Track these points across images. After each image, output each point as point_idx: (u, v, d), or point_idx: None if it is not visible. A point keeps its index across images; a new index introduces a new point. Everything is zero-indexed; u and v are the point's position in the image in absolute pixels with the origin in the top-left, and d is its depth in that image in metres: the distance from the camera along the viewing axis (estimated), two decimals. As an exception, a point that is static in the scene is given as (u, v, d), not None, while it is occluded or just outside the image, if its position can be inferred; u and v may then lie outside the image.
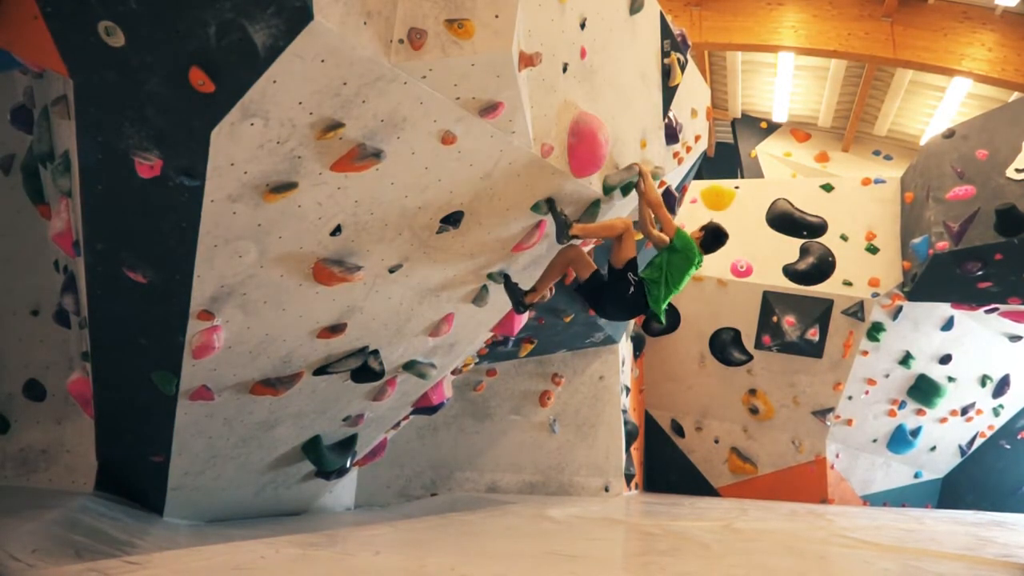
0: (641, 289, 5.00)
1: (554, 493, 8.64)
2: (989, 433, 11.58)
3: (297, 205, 3.75)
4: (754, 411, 10.74)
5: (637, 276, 5.01)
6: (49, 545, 3.61)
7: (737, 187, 10.86)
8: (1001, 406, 11.27)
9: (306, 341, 4.63)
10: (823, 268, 9.89)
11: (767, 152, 14.64)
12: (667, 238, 5.09)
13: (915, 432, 10.89)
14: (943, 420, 10.91)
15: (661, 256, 5.09)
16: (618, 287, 5.00)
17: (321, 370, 4.91)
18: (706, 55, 13.31)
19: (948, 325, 9.93)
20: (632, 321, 10.14)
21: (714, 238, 5.29)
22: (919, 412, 10.65)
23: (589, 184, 4.83)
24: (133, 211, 3.68)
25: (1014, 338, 10.41)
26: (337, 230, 4.01)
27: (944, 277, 8.66)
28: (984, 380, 10.77)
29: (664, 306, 5.12)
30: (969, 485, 11.68)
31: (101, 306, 4.18)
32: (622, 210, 5.72)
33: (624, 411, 9.36)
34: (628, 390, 10.01)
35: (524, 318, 6.12)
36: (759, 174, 14.19)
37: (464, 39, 3.44)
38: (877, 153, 14.20)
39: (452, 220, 4.41)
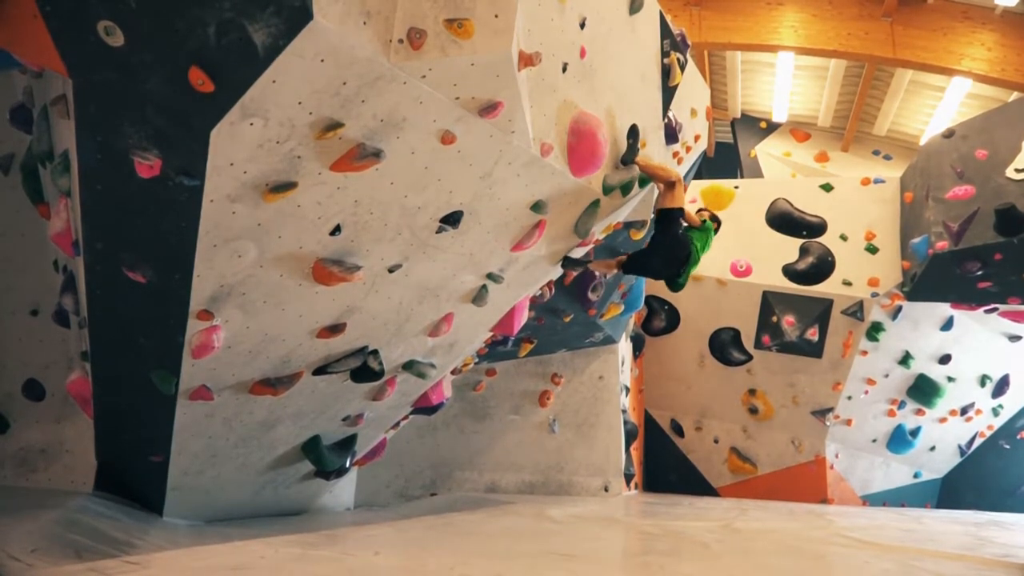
0: (685, 239, 5.30)
1: (554, 493, 8.63)
2: (988, 433, 11.59)
3: (297, 205, 3.75)
4: (753, 411, 10.74)
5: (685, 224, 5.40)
6: (48, 545, 3.60)
7: (737, 187, 10.86)
8: (1000, 406, 11.27)
9: (305, 341, 4.62)
10: (823, 268, 9.89)
11: (767, 152, 14.63)
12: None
13: (914, 432, 10.90)
14: (942, 420, 10.91)
15: (691, 230, 5.52)
16: (670, 229, 5.23)
17: (321, 370, 4.91)
18: (706, 55, 13.30)
19: (948, 325, 9.93)
20: (632, 321, 10.14)
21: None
22: (918, 412, 10.65)
23: (588, 183, 4.83)
24: (132, 211, 3.67)
25: (1014, 338, 10.41)
26: (336, 230, 4.01)
27: (944, 277, 8.66)
28: (984, 380, 10.77)
29: (690, 273, 5.53)
30: (968, 485, 11.68)
31: (100, 306, 4.17)
32: (624, 210, 5.72)
33: (624, 411, 9.35)
34: (628, 390, 10.00)
35: (524, 318, 6.13)
36: (759, 174, 14.18)
37: (464, 39, 3.44)
38: (877, 153, 14.20)
39: (452, 220, 4.40)
